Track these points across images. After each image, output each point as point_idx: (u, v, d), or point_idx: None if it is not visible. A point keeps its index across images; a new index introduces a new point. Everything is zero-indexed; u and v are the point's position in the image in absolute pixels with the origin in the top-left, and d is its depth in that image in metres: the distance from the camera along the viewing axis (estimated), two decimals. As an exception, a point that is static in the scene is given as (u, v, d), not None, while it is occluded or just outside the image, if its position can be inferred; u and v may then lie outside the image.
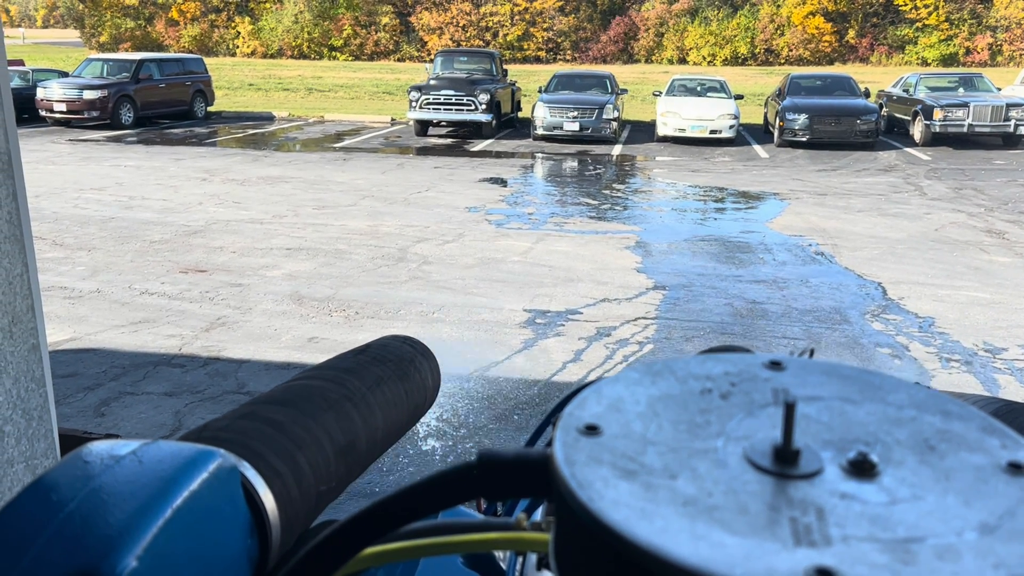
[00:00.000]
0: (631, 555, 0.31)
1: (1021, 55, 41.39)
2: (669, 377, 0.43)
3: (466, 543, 0.47)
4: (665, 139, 17.25)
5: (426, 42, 46.36)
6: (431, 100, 17.39)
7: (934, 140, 16.53)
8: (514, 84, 20.42)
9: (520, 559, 0.71)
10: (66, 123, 18.19)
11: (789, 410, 0.36)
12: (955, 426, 0.38)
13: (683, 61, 44.83)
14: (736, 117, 16.82)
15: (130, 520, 0.44)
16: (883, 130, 17.47)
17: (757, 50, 44.49)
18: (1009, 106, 16.10)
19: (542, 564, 0.62)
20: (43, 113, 18.09)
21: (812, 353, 0.71)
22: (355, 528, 0.44)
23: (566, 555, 0.36)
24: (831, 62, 43.07)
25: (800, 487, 0.34)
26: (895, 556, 0.30)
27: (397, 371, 0.79)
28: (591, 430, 0.38)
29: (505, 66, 20.74)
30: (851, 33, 43.73)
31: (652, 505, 0.33)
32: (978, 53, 41.92)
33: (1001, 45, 42.09)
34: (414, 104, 17.54)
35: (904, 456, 0.36)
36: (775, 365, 0.44)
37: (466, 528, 0.48)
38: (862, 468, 0.35)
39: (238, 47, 48.72)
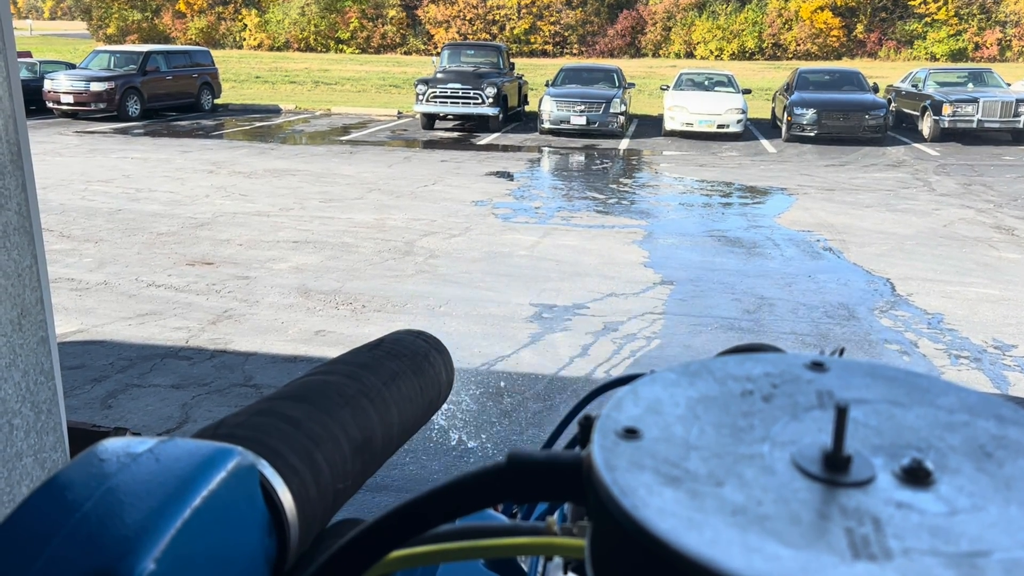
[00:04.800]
0: (680, 567, 0.29)
1: (1031, 51, 41.16)
2: (708, 378, 0.41)
3: (495, 547, 0.45)
4: (672, 133, 17.20)
5: (433, 35, 46.25)
6: (438, 93, 17.36)
7: (943, 136, 16.45)
8: (521, 78, 20.37)
9: (542, 562, 0.70)
10: (73, 115, 18.20)
11: (841, 415, 0.34)
12: (1011, 432, 0.37)
13: (690, 55, 44.67)
14: (744, 112, 16.75)
15: (148, 520, 0.42)
16: (891, 125, 17.39)
17: (765, 44, 44.28)
18: (1019, 102, 16.00)
19: (568, 567, 0.61)
20: (50, 105, 18.11)
21: (842, 353, 0.70)
22: (382, 531, 0.43)
23: (605, 563, 0.34)
24: (839, 57, 42.87)
25: (853, 495, 0.32)
26: (961, 571, 0.28)
27: (412, 366, 0.77)
28: (630, 433, 0.36)
29: (512, 59, 20.69)
30: (859, 28, 43.50)
31: (700, 514, 0.31)
32: (987, 48, 41.66)
33: (1011, 40, 41.82)
34: (421, 97, 17.51)
35: (960, 463, 0.35)
36: (817, 366, 0.42)
37: (495, 532, 0.47)
38: (917, 476, 0.33)
39: (245, 40, 48.67)
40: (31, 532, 0.42)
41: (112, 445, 0.49)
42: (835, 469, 0.34)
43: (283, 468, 0.55)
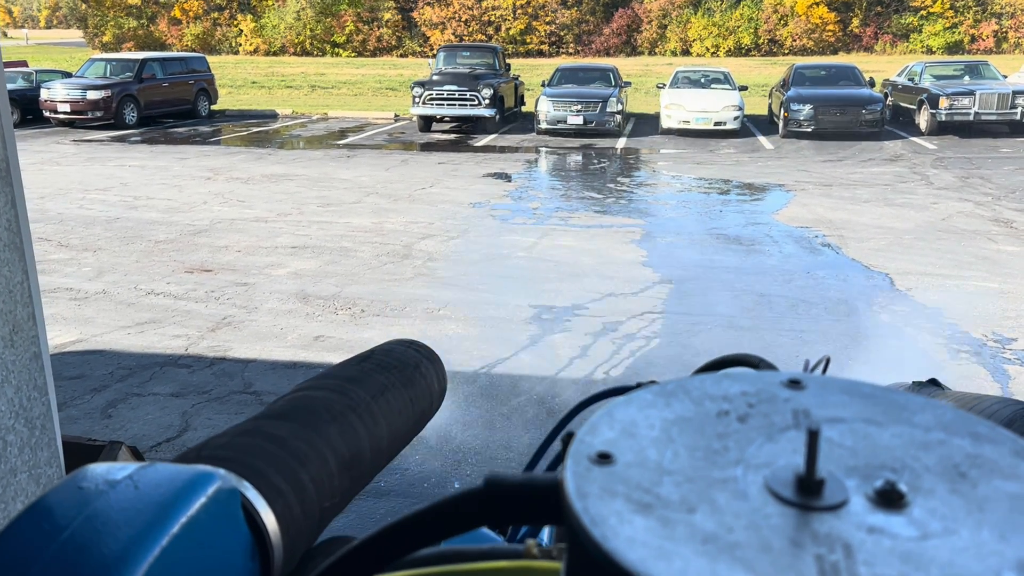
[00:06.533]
0: None
1: (1027, 42, 41.14)
2: (684, 398, 0.41)
3: (473, 572, 0.45)
4: (669, 132, 17.19)
5: (428, 37, 46.24)
6: (434, 95, 17.35)
7: (940, 129, 16.44)
8: (517, 78, 20.36)
9: None
10: (70, 123, 18.20)
11: (812, 438, 0.34)
12: (986, 450, 0.36)
13: (686, 53, 44.65)
14: (740, 108, 16.75)
15: (126, 549, 0.42)
16: (888, 120, 17.37)
17: (761, 40, 44.27)
18: (1015, 93, 16.00)
19: None
20: (47, 114, 18.11)
21: (828, 362, 0.69)
22: (359, 556, 0.43)
23: None
24: (835, 52, 42.84)
25: (825, 520, 0.32)
26: None
27: (402, 378, 0.77)
28: (604, 458, 0.36)
29: (508, 60, 20.68)
30: (855, 22, 43.49)
31: (670, 543, 0.31)
32: (983, 40, 41.65)
33: (1007, 32, 41.81)
34: (417, 100, 17.50)
35: (934, 484, 0.34)
36: (794, 384, 0.42)
37: (474, 555, 0.47)
38: (890, 498, 0.33)
39: (241, 45, 48.66)
40: (10, 562, 0.42)
41: (93, 471, 0.49)
42: (808, 493, 0.33)
43: (266, 489, 0.55)
